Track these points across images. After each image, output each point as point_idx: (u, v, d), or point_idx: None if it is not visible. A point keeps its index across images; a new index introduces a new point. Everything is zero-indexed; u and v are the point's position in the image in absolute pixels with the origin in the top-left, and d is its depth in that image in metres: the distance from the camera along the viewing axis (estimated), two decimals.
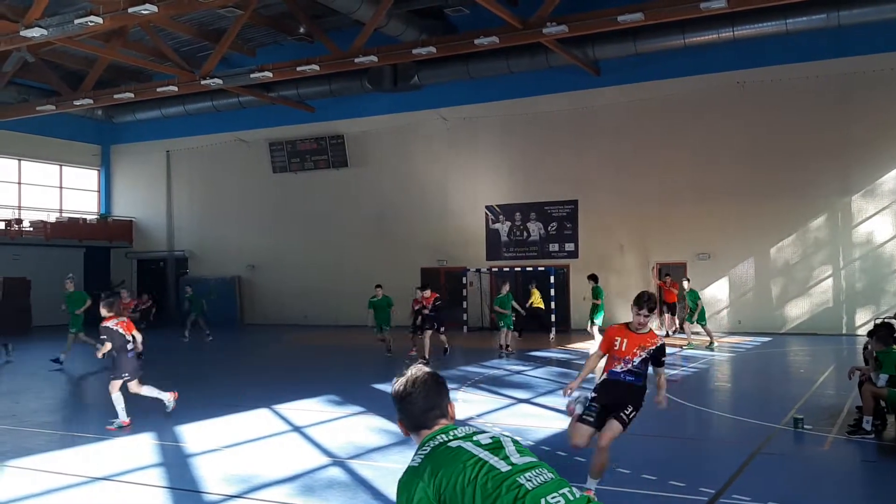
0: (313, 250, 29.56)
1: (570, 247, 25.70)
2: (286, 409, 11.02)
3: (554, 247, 25.97)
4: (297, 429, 9.66)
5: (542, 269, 24.42)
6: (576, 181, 25.48)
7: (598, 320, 19.14)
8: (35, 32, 18.98)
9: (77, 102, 26.15)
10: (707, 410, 11.28)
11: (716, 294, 23.64)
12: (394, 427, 9.54)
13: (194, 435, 9.31)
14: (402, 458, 7.87)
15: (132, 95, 25.81)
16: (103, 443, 8.93)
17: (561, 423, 9.81)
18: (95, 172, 34.68)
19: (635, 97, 24.38)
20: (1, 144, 30.12)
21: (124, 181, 34.60)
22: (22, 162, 31.66)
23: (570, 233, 25.72)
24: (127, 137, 33.76)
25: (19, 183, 31.70)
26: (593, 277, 19.65)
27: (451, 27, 24.68)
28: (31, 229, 30.43)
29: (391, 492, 6.67)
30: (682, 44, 22.43)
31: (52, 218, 31.92)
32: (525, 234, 26.44)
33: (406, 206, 28.12)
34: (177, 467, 7.75)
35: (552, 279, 23.81)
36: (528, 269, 24.77)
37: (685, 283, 19.90)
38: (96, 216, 33.99)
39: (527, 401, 11.66)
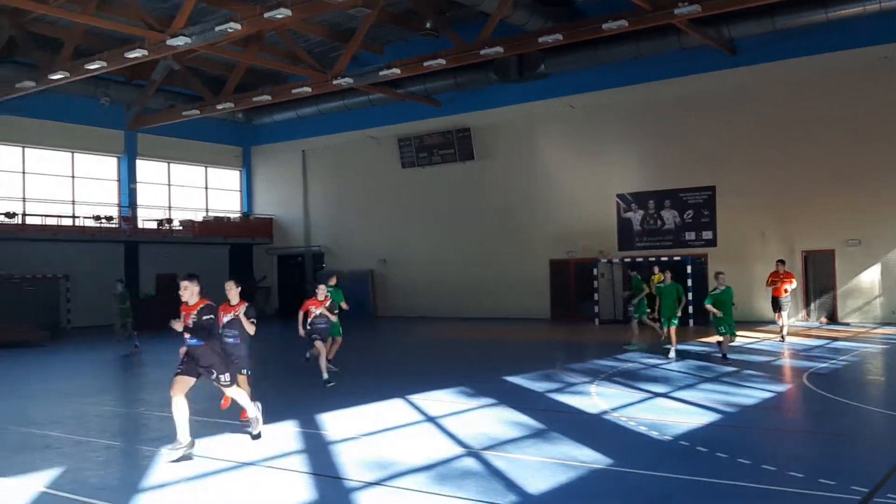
0: (441, 244, 29.89)
1: (707, 235, 24.75)
2: (420, 399, 11.17)
3: (690, 235, 25.08)
4: (430, 419, 9.76)
5: (678, 258, 23.61)
6: (712, 166, 24.49)
7: (642, 315, 17.75)
8: (180, 41, 20.11)
9: (219, 106, 27.57)
10: (858, 405, 10.55)
11: (867, 282, 22.13)
12: (526, 419, 9.48)
13: (334, 423, 9.58)
14: (536, 451, 7.80)
15: (269, 98, 26.92)
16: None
17: (701, 418, 9.45)
18: (237, 173, 36.45)
19: (774, 76, 23.16)
20: (152, 149, 32.17)
21: (264, 180, 36.19)
22: (171, 165, 33.69)
23: (708, 220, 24.75)
24: (265, 138, 35.29)
25: (169, 185, 33.75)
26: (636, 268, 18.42)
27: (578, 13, 24.26)
28: (181, 228, 32.33)
29: (526, 483, 6.63)
30: (825, 18, 21.10)
31: (200, 217, 33.80)
32: (659, 222, 25.66)
33: (533, 196, 27.92)
34: (318, 454, 7.99)
35: (689, 269, 22.97)
36: (664, 258, 23.98)
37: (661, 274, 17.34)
38: (239, 214, 35.73)
39: (664, 395, 11.30)
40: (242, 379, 9.46)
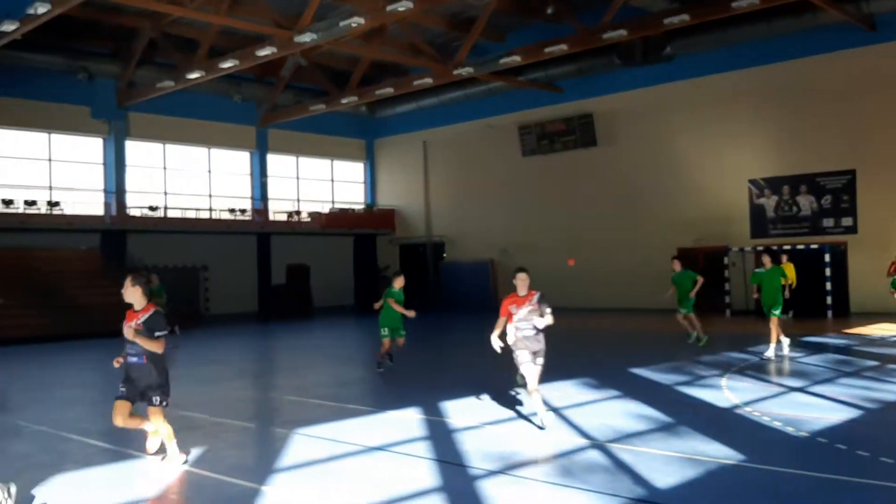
0: (564, 232, 29.55)
1: (847, 221, 23.34)
2: (543, 389, 11.07)
3: (828, 222, 23.72)
4: (554, 409, 9.67)
5: (815, 246, 22.37)
6: (852, 149, 23.06)
7: (687, 308, 16.05)
8: (307, 38, 20.75)
9: (344, 100, 28.30)
10: None
11: None
12: (653, 412, 9.24)
13: (457, 411, 9.66)
14: (664, 445, 7.59)
15: (392, 90, 27.39)
16: (376, 416, 9.56)
17: (840, 414, 8.93)
18: (361, 165, 37.33)
19: None
20: (281, 143, 33.41)
21: (386, 172, 36.90)
22: (299, 158, 34.90)
23: (848, 206, 23.34)
24: (388, 130, 35.96)
25: (297, 178, 34.98)
26: (679, 258, 16.91)
27: None
28: (309, 220, 33.47)
29: (654, 478, 6.45)
30: None
31: (326, 209, 34.87)
32: (794, 208, 24.41)
33: (659, 183, 27.15)
34: (442, 441, 8.08)
35: (827, 258, 21.74)
36: (799, 246, 22.77)
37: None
38: (363, 206, 36.61)
39: (801, 389, 10.74)
40: (156, 411, 7.02)
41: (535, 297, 8.62)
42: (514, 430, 8.60)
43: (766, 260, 14.76)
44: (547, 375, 12.10)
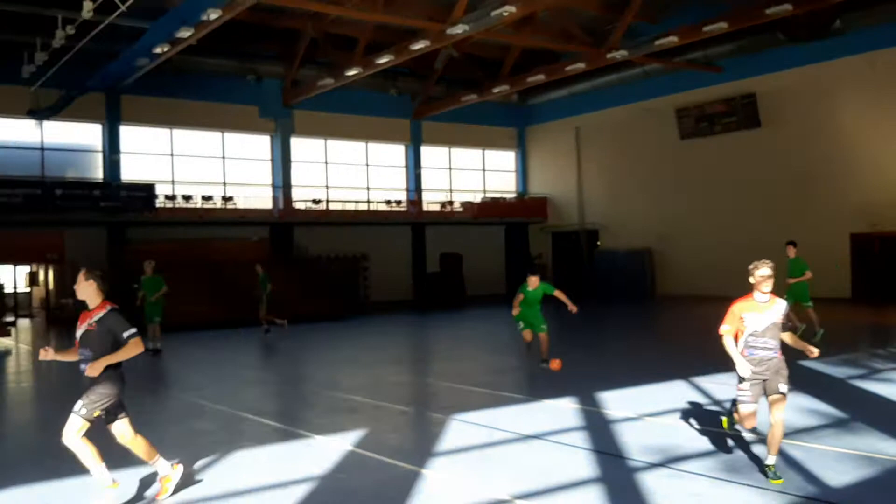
0: (724, 218, 28.27)
1: None
2: (703, 381, 10.72)
3: None
4: (716, 402, 9.33)
5: None
6: None
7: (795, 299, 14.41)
8: (458, 29, 20.99)
9: (495, 90, 28.45)
10: None
11: None
12: (825, 407, 8.71)
13: (615, 402, 9.52)
14: (837, 441, 7.17)
15: (543, 77, 27.22)
16: (531, 404, 9.59)
17: None
18: (513, 154, 37.37)
19: None
20: (434, 135, 34.03)
21: (538, 160, 36.75)
22: (451, 149, 35.42)
23: None
24: (539, 118, 35.77)
25: (450, 168, 35.53)
26: (793, 244, 15.16)
27: None
28: (461, 209, 33.93)
29: (825, 476, 6.10)
30: None
31: (478, 198, 35.22)
32: None
33: (829, 165, 25.41)
34: (599, 432, 8.00)
35: None
36: None
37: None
38: (514, 195, 36.66)
39: None
40: (122, 424, 6.13)
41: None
42: (675, 423, 8.37)
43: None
44: (706, 366, 11.69)
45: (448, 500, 5.79)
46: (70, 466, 7.04)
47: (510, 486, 6.09)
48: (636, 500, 5.81)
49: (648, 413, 8.79)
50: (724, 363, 11.93)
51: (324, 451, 7.39)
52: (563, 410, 9.13)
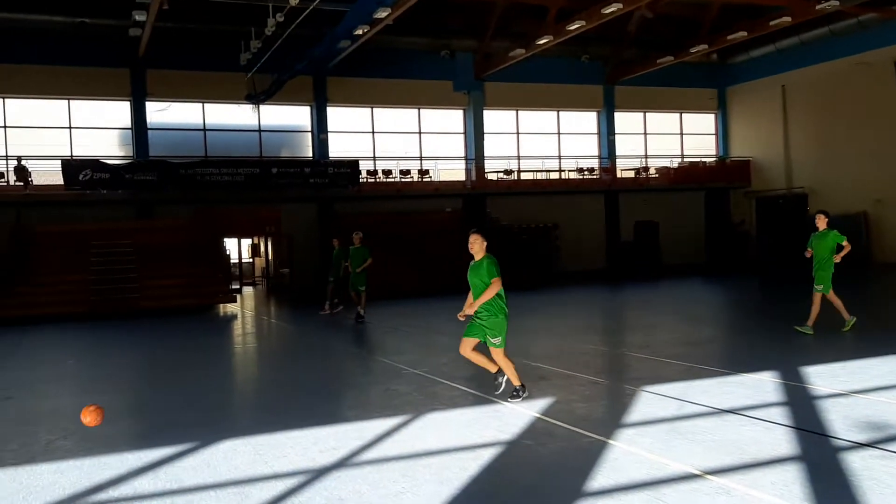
0: None
1: None
2: None
3: None
4: None
5: None
6: None
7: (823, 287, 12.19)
8: None
9: (693, 50, 27.22)
10: None
11: None
12: None
13: (821, 377, 8.96)
14: None
15: (745, 34, 25.74)
16: (728, 378, 9.25)
17: None
18: (712, 116, 35.60)
19: None
20: (627, 100, 33.16)
21: (741, 121, 34.78)
22: (646, 114, 34.34)
23: None
24: (741, 77, 33.80)
25: (644, 133, 34.49)
26: (825, 213, 12.45)
27: None
28: (657, 175, 32.90)
29: None
30: None
31: (675, 164, 33.96)
32: None
33: None
34: (801, 408, 7.58)
35: None
36: None
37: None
38: (714, 158, 34.96)
39: None
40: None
41: None
42: (889, 401, 7.75)
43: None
44: None
45: (634, 472, 5.78)
46: (282, 420, 7.78)
47: (700, 461, 5.97)
48: (839, 481, 5.48)
49: (858, 389, 8.21)
50: None
51: (511, 418, 7.59)
52: (763, 384, 8.73)
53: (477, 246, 8.18)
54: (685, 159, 34.72)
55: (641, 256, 30.58)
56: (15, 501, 5.64)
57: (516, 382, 8.23)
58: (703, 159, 34.77)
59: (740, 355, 11.19)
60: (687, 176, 33.21)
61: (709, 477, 5.61)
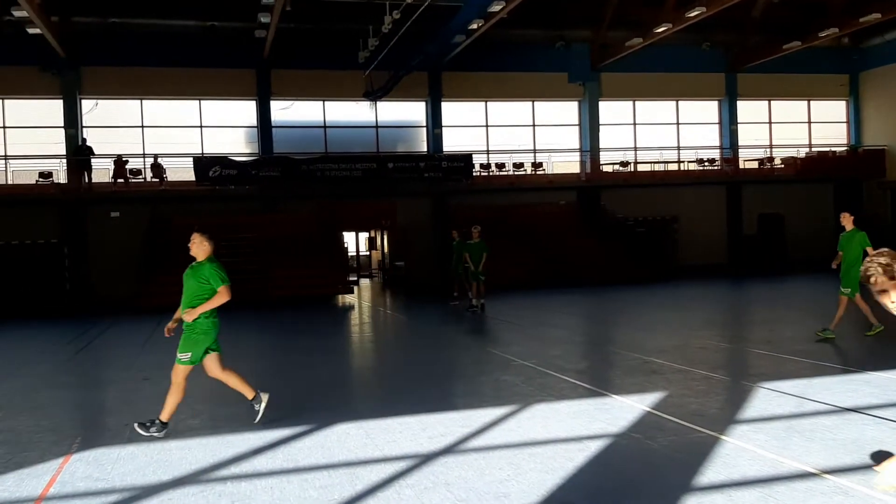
0: None
1: None
2: None
3: None
4: None
5: None
6: None
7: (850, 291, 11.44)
8: None
9: (822, 34, 25.89)
10: None
11: None
12: None
13: None
14: None
15: (880, 16, 24.27)
16: (853, 376, 8.83)
17: None
18: (843, 103, 33.71)
19: None
20: (751, 88, 31.86)
21: (875, 108, 32.75)
22: (771, 102, 32.87)
23: None
24: (876, 62, 31.83)
25: (770, 122, 33.02)
26: (849, 212, 11.71)
27: None
28: (782, 166, 31.48)
29: None
30: None
31: (802, 153, 32.37)
32: None
33: None
34: None
35: None
36: None
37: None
38: (846, 148, 33.10)
39: None
40: None
41: None
42: None
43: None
44: None
45: (746, 469, 5.64)
46: (394, 407, 8.01)
47: (817, 460, 5.75)
48: None
49: None
50: None
51: (620, 411, 7.53)
52: (891, 383, 8.28)
53: (196, 247, 7.17)
54: (813, 149, 33.02)
55: (766, 251, 29.37)
56: (146, 474, 6.10)
57: (250, 395, 7.48)
58: (833, 149, 32.94)
59: (868, 353, 10.63)
60: (815, 166, 31.54)
61: (826, 476, 5.42)
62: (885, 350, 10.54)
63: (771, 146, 32.74)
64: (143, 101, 27.38)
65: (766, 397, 7.90)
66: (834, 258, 12.00)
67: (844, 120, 33.84)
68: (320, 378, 10.26)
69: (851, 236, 11.69)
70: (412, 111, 29.93)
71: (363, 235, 34.60)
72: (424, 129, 29.78)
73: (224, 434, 7.20)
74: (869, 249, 11.12)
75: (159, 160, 26.10)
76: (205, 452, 6.62)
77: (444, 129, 29.36)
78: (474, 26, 22.89)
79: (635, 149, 31.39)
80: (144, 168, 26.33)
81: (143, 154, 26.84)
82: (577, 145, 30.88)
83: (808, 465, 5.64)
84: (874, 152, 32.11)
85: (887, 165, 31.80)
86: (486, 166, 29.13)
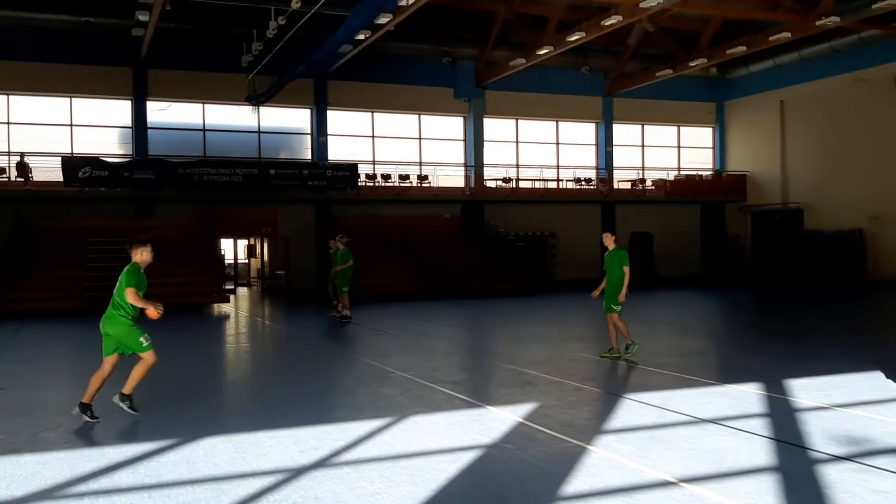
0: None
1: None
2: None
3: None
4: None
5: None
6: None
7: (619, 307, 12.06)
8: (653, 2, 20.39)
9: (692, 63, 27.34)
10: None
11: None
12: None
13: (804, 390, 9.01)
14: None
15: (745, 49, 25.84)
16: (712, 388, 9.31)
17: None
18: (710, 130, 35.73)
19: None
20: (626, 112, 33.29)
21: (738, 135, 34.90)
22: (644, 126, 34.45)
23: None
24: (740, 92, 33.95)
25: (642, 146, 34.60)
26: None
27: None
28: (653, 187, 33.00)
29: None
30: None
31: (671, 176, 34.06)
32: None
33: None
34: (781, 419, 7.64)
35: None
36: None
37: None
38: (711, 172, 35.07)
39: None
40: None
41: None
42: (870, 415, 7.80)
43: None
44: None
45: (610, 478, 5.83)
46: (266, 420, 7.81)
47: (677, 469, 6.02)
48: (813, 493, 5.53)
49: (842, 403, 8.26)
50: None
51: (494, 422, 7.64)
52: (746, 396, 8.78)
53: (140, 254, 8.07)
54: (682, 172, 34.81)
55: (636, 267, 30.61)
56: None
57: (87, 400, 7.82)
58: (700, 173, 34.86)
59: (727, 367, 11.27)
60: (683, 189, 33.29)
61: (683, 485, 5.67)
62: (741, 364, 11.17)
63: (643, 168, 34.28)
64: (10, 97, 25.77)
65: (631, 408, 8.22)
66: (600, 282, 12.20)
67: (711, 146, 35.88)
68: (188, 390, 9.89)
69: (613, 255, 12.09)
70: (297, 118, 29.52)
71: (242, 243, 33.75)
72: (309, 136, 29.43)
73: (82, 448, 6.83)
74: (626, 269, 11.83)
75: (25, 159, 24.59)
76: (62, 467, 6.25)
77: (329, 137, 29.11)
78: (361, 37, 22.86)
79: (517, 166, 32.13)
80: (9, 167, 24.74)
81: (9, 152, 25.23)
82: (461, 160, 31.32)
83: (667, 474, 5.89)
84: (736, 177, 34.20)
85: (748, 190, 33.92)
86: (371, 177, 29.06)
